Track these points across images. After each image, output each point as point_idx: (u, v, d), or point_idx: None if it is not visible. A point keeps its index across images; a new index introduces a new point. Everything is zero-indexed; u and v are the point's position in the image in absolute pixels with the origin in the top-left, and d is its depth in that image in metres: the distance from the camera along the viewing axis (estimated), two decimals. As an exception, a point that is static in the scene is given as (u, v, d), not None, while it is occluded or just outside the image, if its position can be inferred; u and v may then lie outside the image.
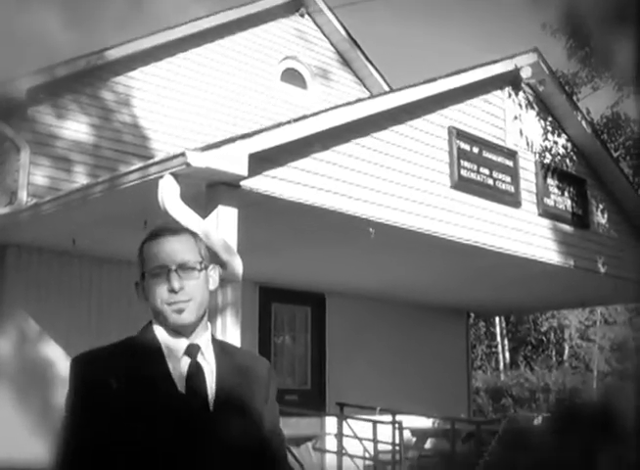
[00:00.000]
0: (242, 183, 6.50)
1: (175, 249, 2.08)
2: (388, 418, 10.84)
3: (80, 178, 9.29)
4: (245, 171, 6.29)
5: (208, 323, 2.18)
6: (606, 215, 11.03)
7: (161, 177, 6.23)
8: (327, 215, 7.43)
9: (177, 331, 2.08)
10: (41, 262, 9.24)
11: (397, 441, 10.90)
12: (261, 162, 6.56)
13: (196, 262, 2.09)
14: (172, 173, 6.21)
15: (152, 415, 1.97)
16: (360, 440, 10.72)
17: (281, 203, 6.94)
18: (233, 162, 6.23)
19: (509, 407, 20.83)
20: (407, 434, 11.70)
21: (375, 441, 10.31)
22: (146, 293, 2.10)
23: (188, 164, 6.03)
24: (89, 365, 2.07)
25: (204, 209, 6.31)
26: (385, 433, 10.73)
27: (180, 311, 2.05)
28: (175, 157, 6.15)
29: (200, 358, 2.09)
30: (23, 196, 8.87)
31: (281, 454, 2.24)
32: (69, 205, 7.41)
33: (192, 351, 2.08)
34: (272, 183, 6.77)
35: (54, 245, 8.97)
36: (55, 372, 9.19)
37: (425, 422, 12.61)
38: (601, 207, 10.99)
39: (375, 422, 10.32)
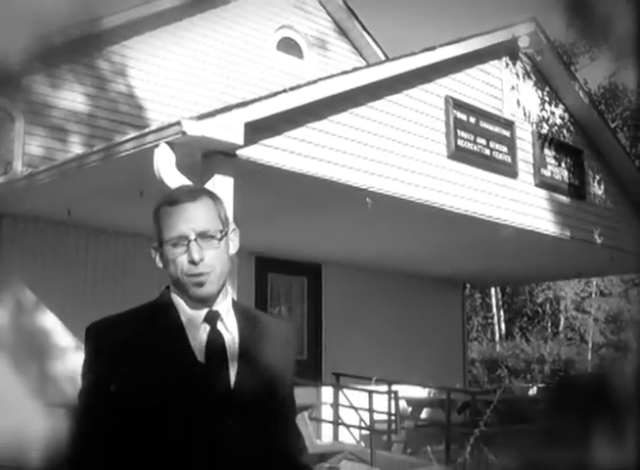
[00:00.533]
0: (238, 152, 6.47)
1: (195, 217, 2.00)
2: (383, 388, 10.89)
3: (76, 148, 9.25)
4: (241, 140, 6.27)
5: (229, 288, 2.12)
6: (602, 186, 11.02)
7: (157, 146, 6.21)
8: (323, 185, 7.42)
9: (197, 301, 2.04)
10: (37, 233, 9.23)
11: (393, 410, 10.96)
12: (257, 131, 6.53)
13: (216, 231, 2.02)
14: (168, 142, 6.19)
15: (169, 386, 1.93)
16: (356, 409, 10.78)
17: (277, 172, 6.92)
18: (229, 130, 6.20)
19: (504, 378, 20.95)
20: (403, 404, 11.77)
21: (371, 410, 10.36)
22: (164, 260, 2.04)
23: (184, 133, 6.01)
24: (104, 334, 2.04)
25: (199, 178, 6.29)
26: (380, 403, 10.79)
27: (201, 284, 1.99)
28: (171, 125, 6.13)
29: (219, 326, 2.04)
30: (19, 166, 8.85)
31: (291, 420, 2.21)
32: (65, 174, 7.38)
33: (211, 318, 2.04)
34: (268, 152, 6.74)
35: (50, 215, 8.96)
36: (51, 341, 9.23)
37: (420, 392, 12.69)
38: (598, 177, 10.98)
39: (371, 392, 10.36)
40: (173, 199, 2.03)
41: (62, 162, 7.56)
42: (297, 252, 11.19)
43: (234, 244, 2.13)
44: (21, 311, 9.07)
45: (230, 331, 2.05)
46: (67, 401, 8.71)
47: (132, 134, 6.65)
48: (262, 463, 2.00)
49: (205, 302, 2.03)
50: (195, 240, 1.98)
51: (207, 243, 2.00)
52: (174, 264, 2.00)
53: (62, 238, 9.38)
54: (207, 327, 2.03)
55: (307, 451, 2.25)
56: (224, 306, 2.07)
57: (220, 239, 2.03)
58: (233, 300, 2.14)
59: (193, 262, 1.97)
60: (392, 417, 10.97)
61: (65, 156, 8.62)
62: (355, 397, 10.65)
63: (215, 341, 2.02)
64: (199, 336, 2.01)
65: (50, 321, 9.23)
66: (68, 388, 9.23)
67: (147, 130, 6.47)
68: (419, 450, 10.81)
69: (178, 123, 6.03)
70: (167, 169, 6.20)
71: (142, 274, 10.02)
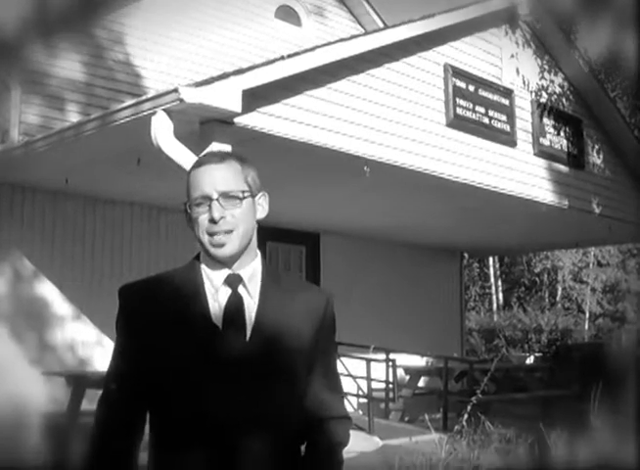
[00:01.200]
0: (235, 120, 6.44)
1: (218, 177, 2.03)
2: (381, 357, 10.95)
3: (73, 117, 9.20)
4: (238, 108, 6.23)
5: (258, 252, 2.13)
6: (601, 156, 11.00)
7: (154, 114, 6.18)
8: (321, 153, 7.39)
9: (220, 262, 2.05)
10: (35, 202, 9.22)
11: (391, 379, 11.02)
12: (255, 98, 6.49)
13: (238, 191, 2.03)
14: (165, 110, 6.16)
15: (185, 348, 1.98)
16: (354, 378, 10.83)
17: (275, 140, 6.89)
18: (226, 98, 6.17)
19: (502, 348, 21.03)
20: (401, 372, 11.83)
21: (369, 379, 10.41)
22: (190, 221, 2.06)
23: (181, 101, 5.97)
24: (131, 295, 2.09)
25: (197, 146, 6.26)
26: (378, 371, 10.84)
27: (221, 245, 2.01)
28: (168, 93, 6.09)
29: (241, 290, 2.05)
30: (15, 134, 8.81)
31: (332, 400, 2.19)
32: (62, 143, 7.35)
33: (232, 281, 2.05)
34: (266, 120, 6.71)
35: (47, 184, 8.95)
36: (50, 311, 9.25)
37: (418, 361, 12.75)
38: (597, 147, 10.95)
39: (369, 360, 10.41)
40: (200, 161, 2.08)
41: (59, 130, 7.52)
42: (295, 220, 11.19)
43: (263, 208, 2.13)
44: (19, 281, 9.08)
45: (252, 296, 2.06)
46: (66, 370, 8.76)
47: (129, 102, 6.61)
48: (271, 429, 2.01)
49: (227, 263, 2.05)
50: (217, 200, 2.00)
51: (230, 203, 2.02)
52: (197, 224, 2.03)
53: (59, 207, 9.38)
54: (229, 290, 2.04)
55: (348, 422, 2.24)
56: (248, 271, 2.08)
57: (243, 199, 2.04)
58: (268, 265, 2.15)
59: (213, 221, 2.00)
60: (390, 386, 11.04)
61: (62, 124, 8.58)
62: (353, 365, 10.70)
63: (234, 305, 2.03)
64: (219, 298, 2.04)
65: (49, 290, 9.24)
66: (67, 356, 9.27)
67: (144, 98, 6.44)
68: (416, 418, 10.89)
69: (175, 91, 6.00)
70: (165, 137, 6.17)
71: (140, 242, 10.06)
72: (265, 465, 1.97)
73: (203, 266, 2.08)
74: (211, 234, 2.01)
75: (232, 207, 2.02)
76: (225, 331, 2.00)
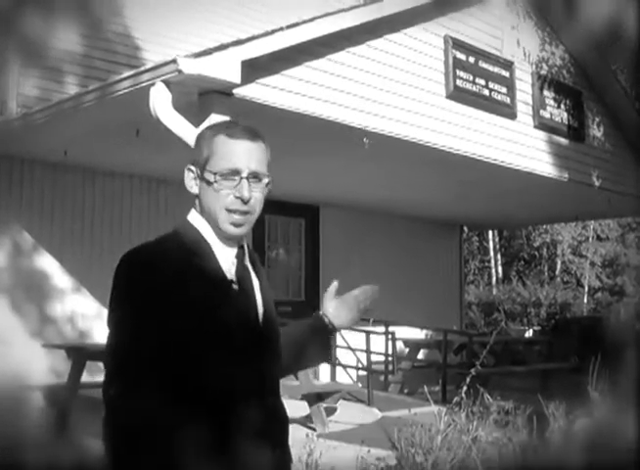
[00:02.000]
0: (235, 91, 6.41)
1: (252, 155, 2.01)
2: (381, 329, 10.98)
3: (71, 89, 9.16)
4: (237, 79, 6.20)
5: None
6: (602, 129, 10.96)
7: (153, 85, 6.15)
8: (321, 124, 7.37)
9: (227, 237, 2.05)
10: (33, 175, 9.21)
11: (390, 351, 11.07)
12: (254, 69, 6.46)
13: (264, 175, 2.03)
14: (164, 81, 6.13)
15: (206, 306, 1.93)
16: (353, 350, 10.88)
17: (274, 111, 6.86)
18: (225, 69, 6.13)
19: (500, 321, 21.09)
20: (400, 345, 11.88)
21: (368, 351, 10.45)
22: (201, 186, 2.02)
23: (180, 72, 5.95)
24: (142, 263, 1.96)
25: (196, 117, 6.24)
26: (378, 344, 10.88)
27: (239, 225, 2.00)
28: (167, 64, 6.06)
29: (245, 261, 2.09)
30: (13, 106, 8.76)
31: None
32: (61, 114, 7.33)
33: (240, 254, 2.08)
34: (265, 91, 6.68)
35: (46, 156, 8.93)
36: (50, 283, 9.26)
37: (418, 333, 12.80)
38: (597, 120, 10.91)
39: (368, 333, 10.44)
40: (233, 131, 2.02)
41: (57, 102, 7.49)
42: (294, 193, 11.17)
43: (269, 191, 2.13)
44: (19, 254, 9.08)
45: (250, 268, 2.12)
46: (66, 342, 8.79)
47: (128, 73, 6.57)
48: (275, 390, 2.07)
49: (235, 240, 2.06)
50: (247, 178, 1.99)
51: (256, 184, 2.01)
52: (217, 196, 1.99)
53: (59, 179, 9.37)
54: (235, 260, 2.06)
55: None
56: (244, 243, 2.12)
57: (267, 184, 2.04)
58: None
59: (241, 199, 1.98)
60: (389, 358, 11.09)
61: (60, 96, 8.54)
62: (353, 338, 10.74)
63: (243, 273, 2.06)
64: (230, 270, 2.05)
65: (48, 263, 9.25)
66: (66, 329, 9.30)
67: (142, 69, 6.40)
68: (415, 391, 10.95)
69: (174, 61, 5.96)
70: (164, 109, 6.15)
71: (140, 215, 10.05)
72: (276, 425, 2.03)
73: (204, 230, 2.04)
74: (232, 211, 1.99)
75: (257, 189, 2.01)
76: (241, 294, 2.03)
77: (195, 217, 2.07)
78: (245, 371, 1.97)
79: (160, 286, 1.91)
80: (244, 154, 1.99)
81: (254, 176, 2.00)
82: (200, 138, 2.07)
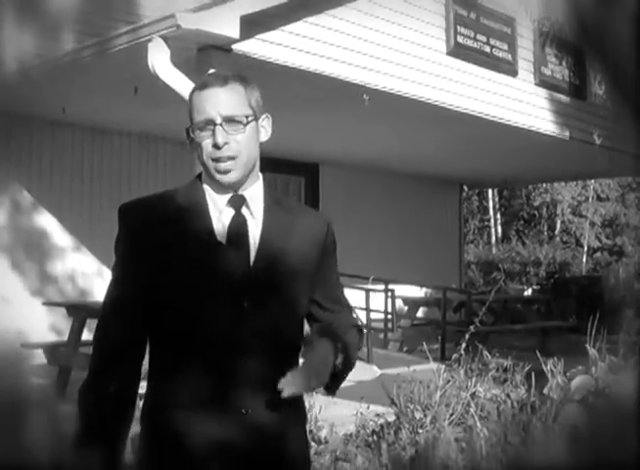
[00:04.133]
0: (233, 47, 6.36)
1: (222, 101, 1.99)
2: (380, 287, 11.01)
3: (69, 45, 9.08)
4: (236, 34, 6.14)
5: (260, 174, 2.13)
6: (603, 86, 10.88)
7: (151, 40, 6.09)
8: (320, 81, 7.31)
9: (224, 186, 2.05)
10: (32, 132, 9.17)
11: (390, 309, 11.10)
12: (253, 24, 6.39)
13: (242, 116, 2.00)
14: (162, 36, 6.07)
15: (189, 264, 1.97)
16: (352, 308, 10.89)
17: (273, 67, 6.81)
18: (224, 24, 6.07)
19: (500, 280, 21.14)
20: (399, 303, 11.91)
21: (367, 309, 10.48)
22: (194, 144, 2.04)
23: (178, 27, 5.89)
24: (132, 214, 2.06)
25: (195, 73, 6.18)
26: (377, 301, 10.91)
27: (226, 172, 2.00)
28: (165, 19, 6.00)
29: (244, 211, 2.05)
30: (10, 62, 8.69)
31: (342, 318, 2.22)
32: (59, 70, 7.27)
33: (236, 202, 2.05)
34: (264, 47, 6.62)
35: (44, 114, 8.88)
36: (50, 242, 9.27)
37: (417, 292, 12.83)
38: (599, 77, 10.82)
39: (368, 291, 10.47)
40: (203, 83, 2.03)
41: (55, 57, 7.43)
42: (294, 151, 11.12)
43: (266, 131, 2.12)
44: (19, 213, 9.07)
45: (255, 217, 2.06)
46: (66, 300, 8.81)
47: (126, 28, 6.51)
48: (274, 349, 2.03)
49: (232, 187, 2.04)
50: (220, 124, 1.98)
51: (234, 128, 2.00)
52: (200, 148, 2.01)
53: (57, 137, 9.33)
54: (232, 211, 2.04)
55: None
56: (251, 192, 2.08)
57: (247, 124, 2.01)
58: (270, 188, 2.15)
59: (216, 146, 1.98)
60: (389, 316, 11.12)
61: (58, 52, 8.47)
62: (352, 296, 10.74)
63: (237, 225, 2.03)
64: (222, 219, 2.03)
65: (48, 222, 9.25)
66: (67, 287, 9.32)
67: (140, 24, 6.34)
68: (415, 348, 10.99)
69: (172, 16, 5.90)
70: (162, 64, 6.10)
71: (138, 172, 10.03)
72: (265, 386, 1.97)
73: (205, 187, 2.07)
74: (215, 160, 2.00)
75: (235, 132, 2.00)
76: (229, 248, 2.00)
77: (201, 176, 2.10)
78: (221, 323, 1.98)
79: (140, 236, 2.01)
80: (214, 101, 1.99)
81: (230, 120, 1.99)
82: (188, 99, 2.09)
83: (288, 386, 1.86)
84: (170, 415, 1.99)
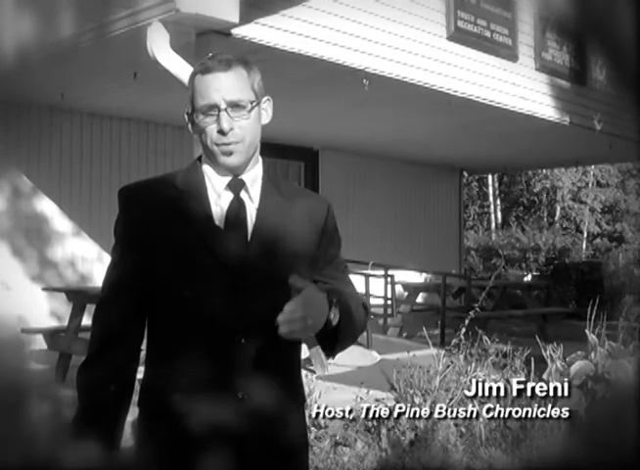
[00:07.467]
0: (233, 31, 6.32)
1: (226, 86, 1.99)
2: (380, 273, 11.01)
3: (67, 31, 9.04)
4: (236, 18, 6.11)
5: (260, 158, 2.13)
6: (604, 72, 10.85)
7: (150, 25, 6.06)
8: (320, 66, 7.28)
9: (226, 169, 2.05)
10: (31, 118, 9.14)
11: (389, 295, 11.10)
12: (253, 9, 6.36)
13: (247, 101, 2.01)
14: (161, 20, 6.04)
15: (187, 249, 1.98)
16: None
17: (273, 52, 6.77)
18: (223, 8, 6.04)
19: (499, 266, 21.16)
20: (399, 288, 11.91)
21: (367, 295, 10.49)
22: (196, 128, 2.04)
23: (177, 11, 5.86)
24: (132, 197, 2.07)
25: (194, 58, 6.16)
26: (377, 287, 10.91)
27: (229, 154, 2.00)
28: (164, 2, 5.97)
29: (243, 195, 2.05)
30: (8, 47, 8.66)
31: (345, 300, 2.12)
32: (57, 55, 7.24)
33: (235, 186, 2.05)
34: (264, 32, 6.59)
35: (42, 99, 8.86)
36: (50, 227, 9.27)
37: (417, 277, 12.83)
38: (600, 63, 10.78)
39: (367, 276, 10.47)
40: (206, 67, 2.02)
41: (54, 42, 7.40)
42: (293, 136, 11.10)
43: (267, 114, 2.12)
44: (18, 198, 9.06)
45: (254, 201, 2.06)
46: (66, 285, 8.82)
47: (124, 12, 6.47)
48: (271, 333, 1.98)
49: (234, 171, 2.04)
50: (225, 110, 1.98)
51: (238, 113, 2.00)
52: (204, 133, 2.01)
53: (56, 123, 9.31)
54: (231, 195, 2.04)
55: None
56: (251, 176, 2.08)
57: (251, 110, 2.02)
58: (269, 171, 2.14)
59: (222, 132, 1.98)
60: (389, 301, 11.13)
61: (56, 37, 8.44)
62: (352, 281, 10.75)
63: (236, 208, 2.04)
64: (221, 203, 2.04)
65: (48, 207, 9.25)
66: (67, 272, 9.32)
67: (138, 8, 6.30)
68: (414, 334, 11.00)
69: (171, 0, 5.88)
70: (161, 49, 6.07)
71: (138, 157, 10.02)
72: (264, 369, 1.98)
73: (205, 170, 2.07)
74: (219, 145, 2.00)
75: (240, 117, 2.00)
76: (227, 232, 2.01)
77: (202, 159, 2.10)
78: (217, 307, 1.98)
79: (139, 219, 2.02)
80: (218, 86, 1.99)
81: (234, 105, 1.99)
82: (188, 82, 2.08)
83: (285, 324, 1.84)
84: (167, 399, 1.99)
